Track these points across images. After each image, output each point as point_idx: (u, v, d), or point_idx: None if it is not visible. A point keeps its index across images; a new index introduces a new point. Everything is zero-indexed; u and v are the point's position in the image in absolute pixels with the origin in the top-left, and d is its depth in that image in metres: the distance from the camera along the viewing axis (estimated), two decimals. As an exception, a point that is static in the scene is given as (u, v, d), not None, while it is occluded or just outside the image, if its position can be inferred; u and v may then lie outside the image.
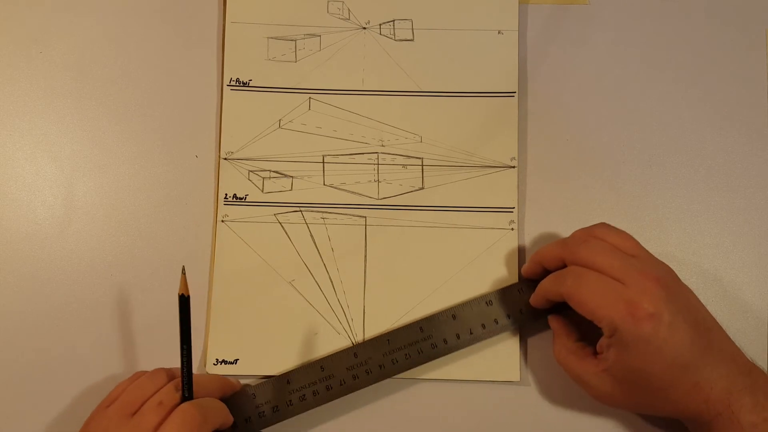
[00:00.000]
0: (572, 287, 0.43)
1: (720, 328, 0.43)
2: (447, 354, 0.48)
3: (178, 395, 0.43)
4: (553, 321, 0.48)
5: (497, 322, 0.48)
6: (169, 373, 0.45)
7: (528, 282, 0.49)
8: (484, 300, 0.49)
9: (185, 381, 0.43)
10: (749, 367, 0.42)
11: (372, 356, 0.48)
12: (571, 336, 0.46)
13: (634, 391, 0.43)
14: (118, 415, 0.42)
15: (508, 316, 0.48)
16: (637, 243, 0.45)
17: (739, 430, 0.40)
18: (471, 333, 0.48)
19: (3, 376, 0.49)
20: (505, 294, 0.49)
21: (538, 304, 0.47)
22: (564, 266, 0.45)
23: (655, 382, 0.41)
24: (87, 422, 0.43)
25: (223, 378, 0.47)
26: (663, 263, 0.44)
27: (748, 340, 0.50)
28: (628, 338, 0.41)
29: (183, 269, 0.42)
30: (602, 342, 0.43)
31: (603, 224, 0.46)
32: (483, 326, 0.48)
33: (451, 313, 0.48)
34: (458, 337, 0.48)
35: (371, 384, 0.47)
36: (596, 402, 0.48)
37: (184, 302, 0.43)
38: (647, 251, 0.45)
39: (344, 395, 0.47)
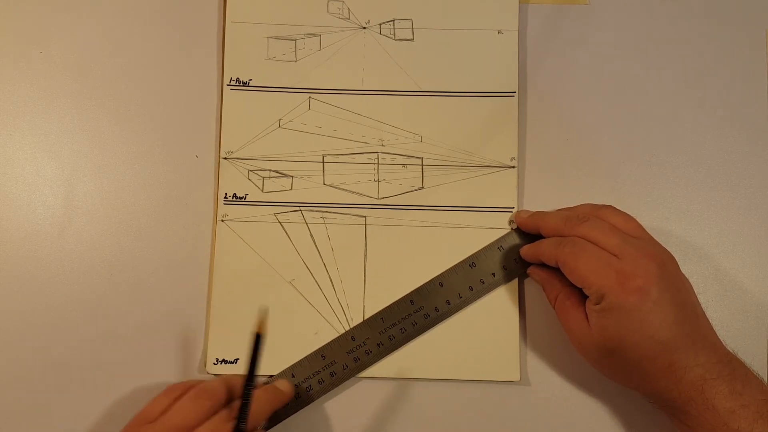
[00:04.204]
0: (569, 255, 0.44)
1: (706, 318, 0.44)
2: (440, 321, 0.49)
3: (229, 426, 0.42)
4: (537, 272, 0.48)
5: (483, 282, 0.49)
6: (209, 395, 0.43)
7: (507, 240, 0.50)
8: (467, 263, 0.50)
9: (242, 415, 0.42)
10: (729, 358, 0.42)
11: (369, 336, 0.49)
12: (562, 280, 0.46)
13: (611, 358, 0.43)
14: None
15: (493, 275, 0.49)
16: (640, 226, 0.46)
17: (715, 416, 0.40)
18: (460, 297, 0.49)
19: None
20: (487, 254, 0.50)
21: (528, 257, 0.49)
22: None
23: (630, 354, 0.42)
24: None
25: (273, 392, 0.46)
26: (665, 249, 0.45)
27: (748, 340, 0.50)
28: (612, 306, 0.42)
29: (266, 310, 0.44)
30: (587, 306, 0.44)
31: (609, 206, 0.47)
32: (470, 288, 0.49)
33: (438, 282, 0.49)
34: (448, 303, 0.49)
35: (373, 363, 0.49)
36: (595, 402, 0.48)
37: (258, 340, 0.43)
38: (650, 235, 0.46)
39: (348, 378, 0.48)
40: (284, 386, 0.47)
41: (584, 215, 0.46)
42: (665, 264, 0.43)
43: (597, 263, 0.43)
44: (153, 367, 0.49)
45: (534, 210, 0.50)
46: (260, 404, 0.44)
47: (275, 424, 0.47)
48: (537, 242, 0.48)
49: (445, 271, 0.50)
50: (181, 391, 0.44)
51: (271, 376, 0.48)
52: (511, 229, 0.51)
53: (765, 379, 0.43)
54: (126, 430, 0.43)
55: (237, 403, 0.44)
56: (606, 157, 0.52)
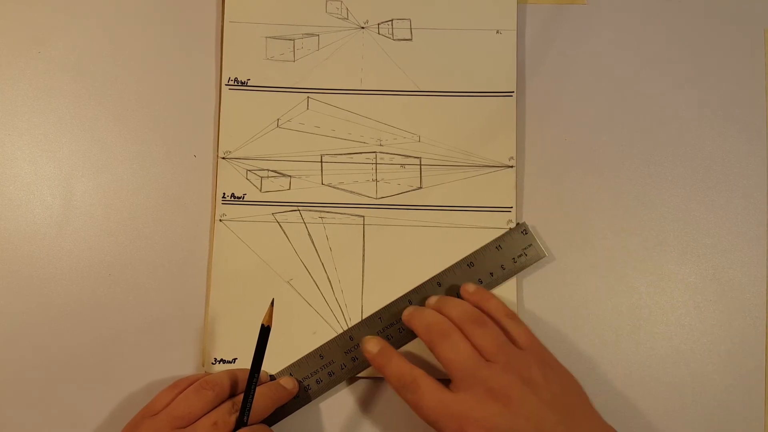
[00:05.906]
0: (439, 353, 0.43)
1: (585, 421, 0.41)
2: None
3: (232, 418, 0.43)
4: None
5: (482, 282, 0.49)
6: (213, 386, 0.44)
7: (506, 239, 0.50)
8: (465, 263, 0.50)
9: (247, 407, 0.43)
10: None
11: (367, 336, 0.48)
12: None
13: None
14: (168, 427, 0.42)
15: (492, 274, 0.49)
16: (505, 341, 0.44)
17: None
18: (458, 297, 0.49)
19: None
20: (485, 253, 0.50)
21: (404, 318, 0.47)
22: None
23: None
24: (131, 428, 0.43)
25: (276, 389, 0.46)
26: (526, 357, 0.43)
27: (747, 340, 0.49)
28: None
29: (272, 302, 0.44)
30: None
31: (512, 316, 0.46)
32: None
33: (436, 281, 0.49)
34: None
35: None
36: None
37: (264, 332, 0.43)
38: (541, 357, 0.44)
39: (346, 378, 0.48)
40: (289, 384, 0.47)
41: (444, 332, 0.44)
42: (512, 397, 0.41)
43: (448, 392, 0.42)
44: (152, 366, 0.49)
45: (532, 211, 0.50)
46: (263, 399, 0.45)
47: (273, 423, 0.47)
48: (419, 313, 0.46)
49: (444, 271, 0.50)
50: (186, 384, 0.45)
51: (272, 376, 0.48)
52: (510, 228, 0.50)
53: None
54: (130, 423, 0.43)
55: (239, 396, 0.44)
56: (605, 157, 0.52)
